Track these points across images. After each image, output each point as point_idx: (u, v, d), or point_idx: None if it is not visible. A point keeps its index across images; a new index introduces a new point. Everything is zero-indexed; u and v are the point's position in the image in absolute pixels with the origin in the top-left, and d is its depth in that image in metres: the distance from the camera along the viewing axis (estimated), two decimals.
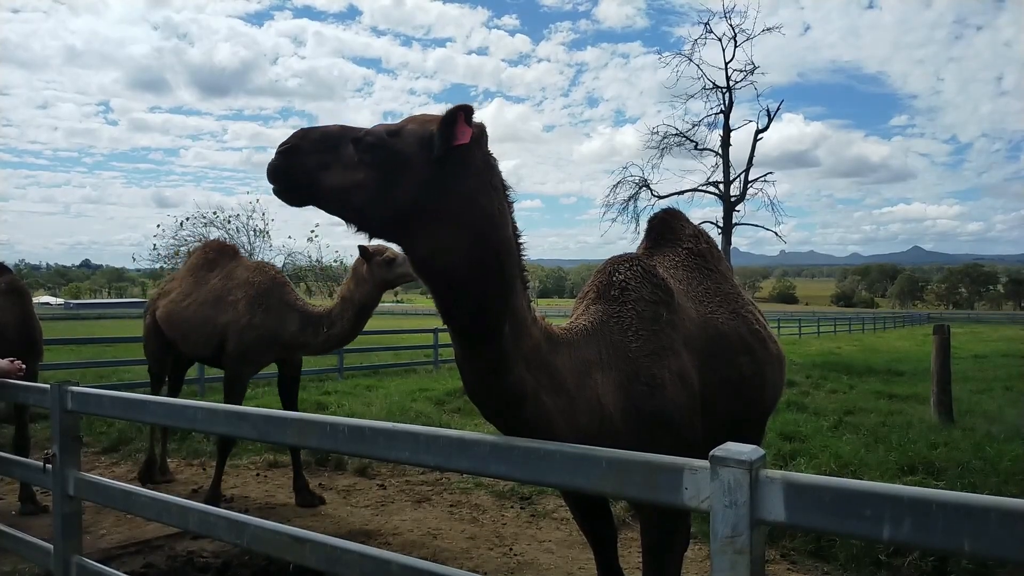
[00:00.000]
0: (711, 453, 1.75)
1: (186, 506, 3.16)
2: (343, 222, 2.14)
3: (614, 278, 2.78)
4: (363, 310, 5.93)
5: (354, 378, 14.83)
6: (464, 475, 6.96)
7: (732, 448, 1.76)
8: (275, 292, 6.21)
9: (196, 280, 6.71)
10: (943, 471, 6.09)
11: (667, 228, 3.41)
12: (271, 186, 2.06)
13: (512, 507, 6.15)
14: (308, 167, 1.99)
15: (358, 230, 2.11)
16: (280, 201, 2.09)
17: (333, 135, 2.02)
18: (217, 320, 6.22)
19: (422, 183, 2.00)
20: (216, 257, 6.89)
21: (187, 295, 6.61)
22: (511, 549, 5.14)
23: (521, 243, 2.26)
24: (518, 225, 2.27)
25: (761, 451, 1.75)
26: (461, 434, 2.27)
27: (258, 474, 7.29)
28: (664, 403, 2.53)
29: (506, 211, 2.17)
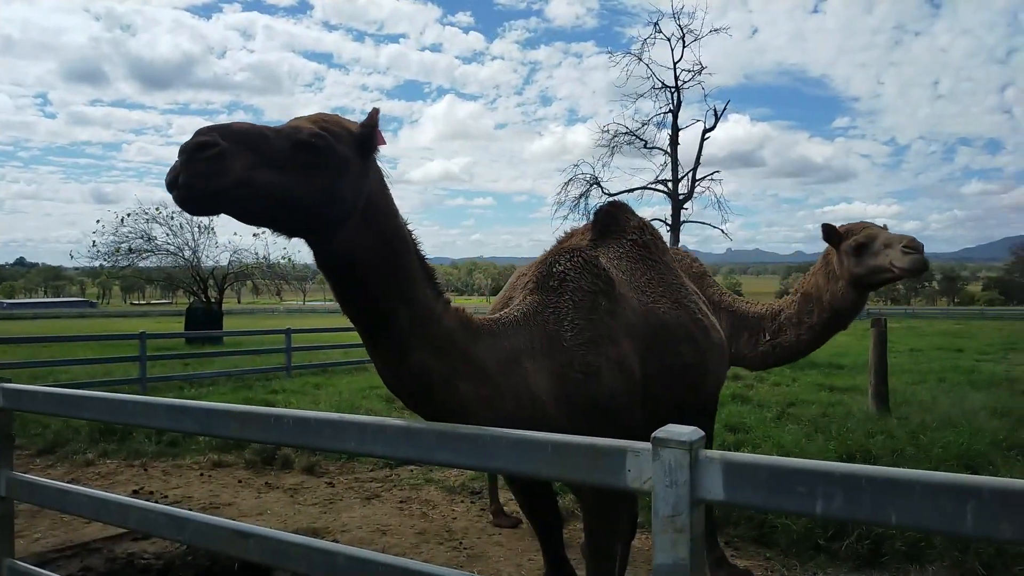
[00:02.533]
0: (653, 435, 1.79)
1: (125, 503, 3.08)
2: (254, 226, 2.14)
3: (554, 268, 2.82)
4: (835, 318, 4.42)
5: (303, 376, 14.62)
6: (414, 471, 6.94)
7: (673, 429, 1.80)
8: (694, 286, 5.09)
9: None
10: (879, 458, 6.30)
11: (612, 220, 3.46)
12: (178, 193, 1.85)
13: (463, 501, 6.15)
14: (237, 170, 1.86)
15: (276, 231, 2.12)
16: (183, 209, 1.94)
17: (256, 134, 1.93)
18: None
19: (355, 184, 2.08)
20: None
21: None
22: (461, 543, 5.15)
23: (413, 233, 2.36)
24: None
25: (701, 432, 1.79)
26: (408, 423, 2.26)
27: (202, 474, 7.14)
28: (599, 390, 2.59)
29: (394, 204, 2.31)
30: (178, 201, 1.87)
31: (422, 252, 2.36)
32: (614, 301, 2.82)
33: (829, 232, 4.35)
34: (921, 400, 10.00)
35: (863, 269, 4.17)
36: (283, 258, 29.17)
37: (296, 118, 2.13)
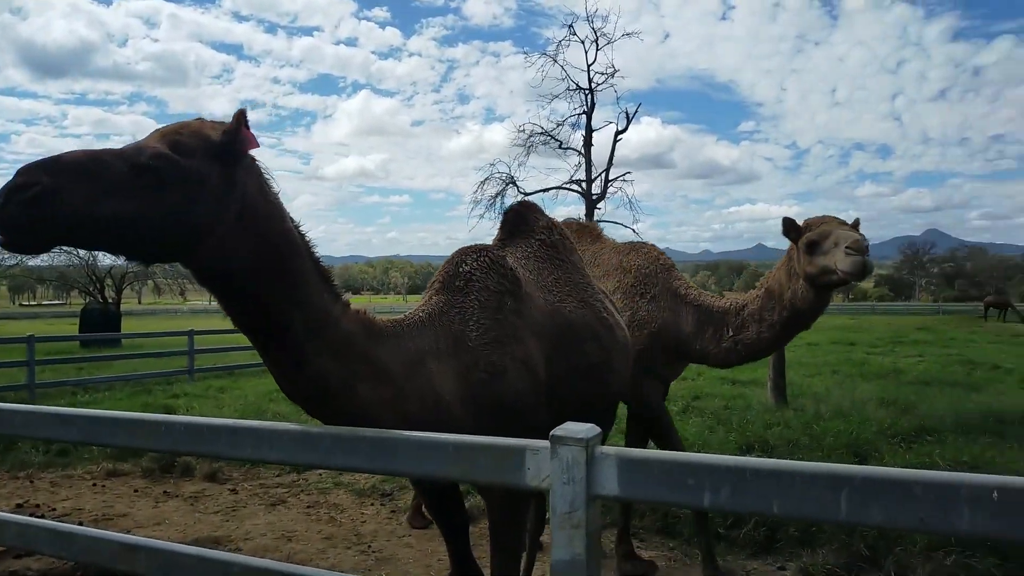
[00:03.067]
0: (551, 433, 1.81)
1: (1, 519, 2.89)
2: (111, 254, 2.03)
3: (460, 268, 2.81)
4: (795, 317, 4.13)
5: (206, 380, 14.07)
6: (322, 474, 6.80)
7: (570, 427, 1.83)
8: (660, 278, 4.69)
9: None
10: (776, 448, 6.60)
11: (521, 220, 3.48)
12: (3, 238, 1.72)
13: (373, 504, 6.06)
14: (75, 204, 1.74)
15: (131, 259, 2.03)
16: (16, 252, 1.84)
17: (90, 162, 1.81)
18: None
19: (218, 196, 1.96)
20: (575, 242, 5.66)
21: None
22: (370, 546, 5.07)
23: (305, 234, 2.27)
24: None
25: (597, 429, 1.83)
26: (306, 428, 2.21)
27: (95, 484, 6.77)
28: (504, 389, 2.60)
29: (281, 205, 2.20)
30: (4, 246, 1.75)
31: (316, 254, 2.28)
32: (520, 301, 2.84)
33: (788, 226, 4.08)
34: (816, 392, 10.52)
35: (814, 268, 3.87)
36: None
37: (154, 131, 2.02)
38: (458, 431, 2.20)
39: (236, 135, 1.96)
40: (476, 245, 3.00)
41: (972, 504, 1.42)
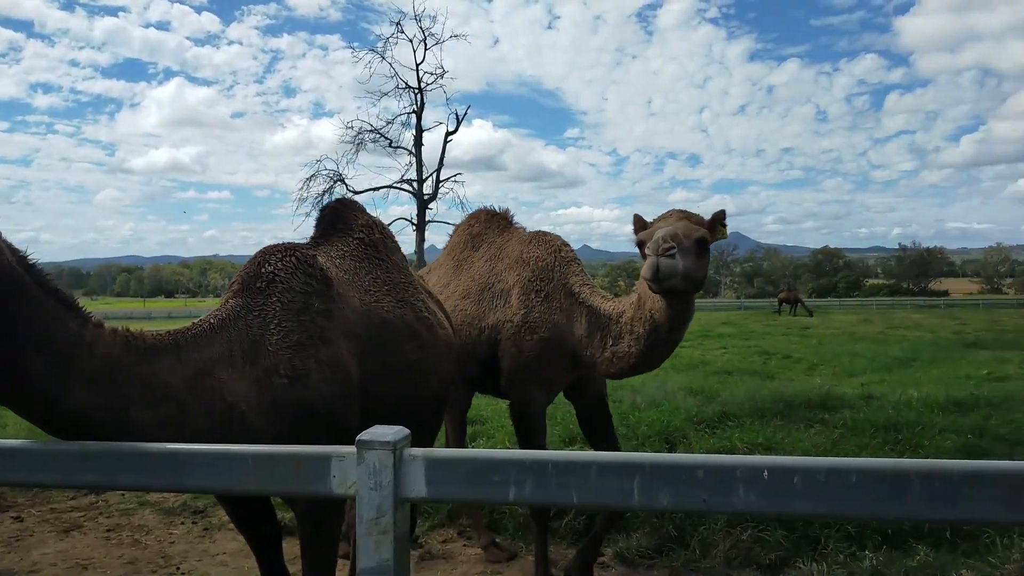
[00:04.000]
0: (357, 438, 1.76)
1: None
2: None
3: (262, 269, 2.68)
4: (655, 330, 3.54)
5: None
6: (125, 495, 6.24)
7: (377, 431, 1.79)
8: (556, 273, 4.09)
9: (457, 264, 4.73)
10: None
11: (338, 218, 3.38)
12: None
13: (183, 523, 5.64)
14: None
15: None
16: None
17: None
18: (485, 320, 4.25)
19: None
20: (482, 231, 4.74)
21: (445, 286, 4.61)
22: (179, 568, 4.72)
23: (32, 262, 2.01)
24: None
25: (405, 431, 1.80)
26: (85, 445, 2.01)
27: None
28: (306, 394, 2.51)
29: None
30: None
31: (47, 279, 2.02)
32: (330, 301, 2.75)
33: (635, 225, 3.62)
34: (633, 384, 11.14)
35: (642, 273, 3.34)
36: None
37: None
38: (258, 441, 2.09)
39: None
40: (283, 244, 2.87)
41: (746, 484, 1.54)
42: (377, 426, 1.86)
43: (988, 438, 6.15)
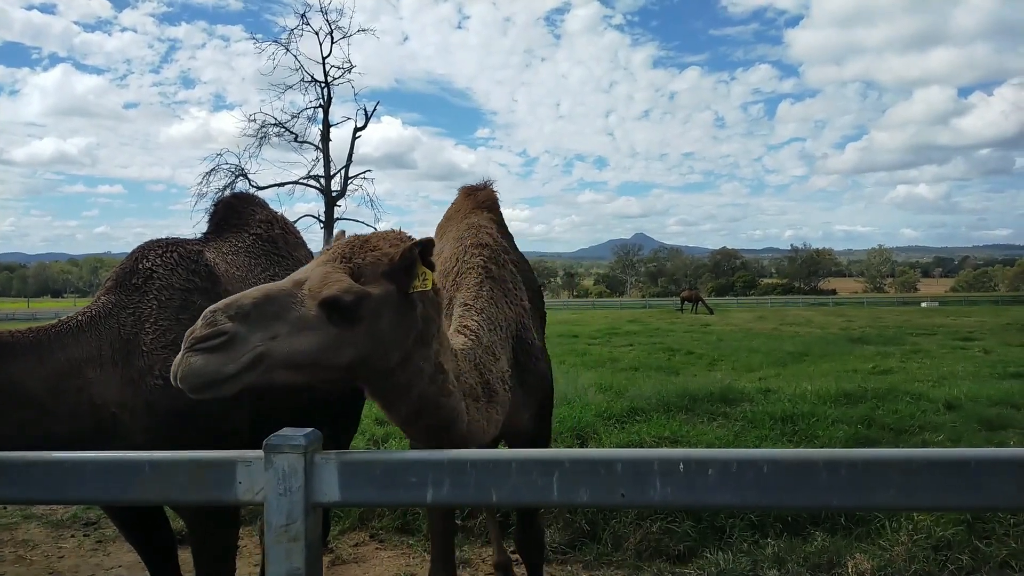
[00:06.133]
0: (265, 441, 1.68)
1: None
2: None
3: (140, 265, 2.53)
4: None
5: None
6: (8, 508, 5.80)
7: (287, 434, 1.71)
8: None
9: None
10: None
11: (233, 213, 3.23)
12: None
13: (72, 536, 5.28)
14: None
15: None
16: None
17: None
18: None
19: None
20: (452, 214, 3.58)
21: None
22: None
23: None
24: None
25: (317, 433, 1.73)
26: None
27: None
28: (184, 396, 2.37)
29: None
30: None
31: None
32: (215, 299, 2.62)
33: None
34: None
35: None
36: None
37: None
38: (135, 444, 1.97)
39: None
40: (165, 239, 2.71)
41: (663, 477, 1.55)
42: (287, 428, 1.78)
43: (876, 428, 6.53)
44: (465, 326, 2.51)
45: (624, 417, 7.28)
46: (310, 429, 1.75)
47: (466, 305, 2.64)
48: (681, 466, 1.55)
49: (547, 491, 1.61)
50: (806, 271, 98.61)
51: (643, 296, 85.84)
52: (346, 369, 1.88)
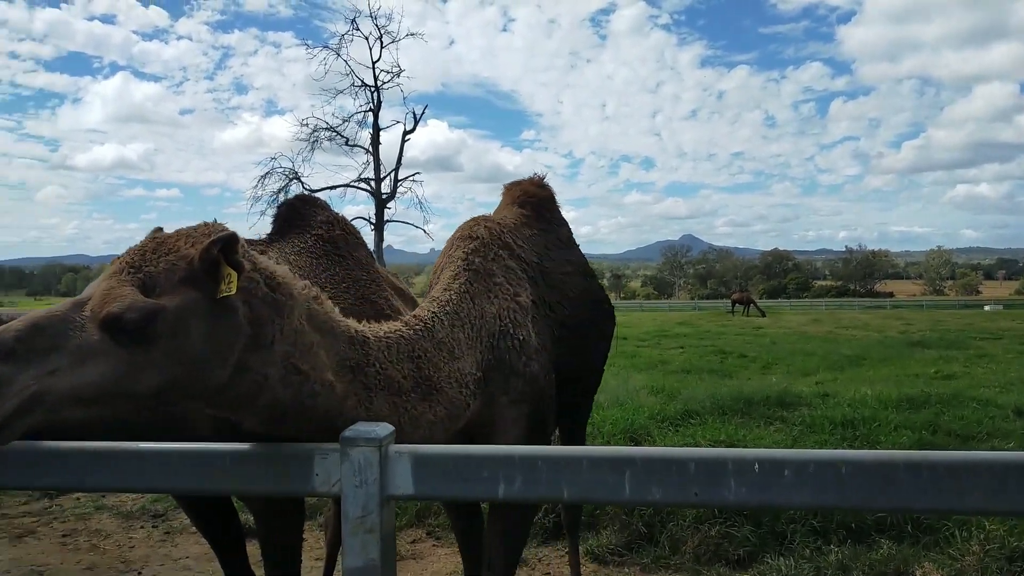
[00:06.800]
0: (342, 434, 1.72)
1: None
2: None
3: None
4: None
5: None
6: (80, 498, 6.04)
7: (362, 428, 1.75)
8: None
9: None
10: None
11: (295, 215, 3.31)
12: None
13: (142, 527, 5.49)
14: None
15: None
16: None
17: None
18: None
19: None
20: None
21: None
22: (140, 573, 4.59)
23: None
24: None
25: (390, 428, 1.77)
26: (53, 445, 1.92)
27: None
28: None
29: None
30: None
31: None
32: None
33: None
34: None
35: None
36: None
37: None
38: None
39: None
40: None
41: (738, 477, 1.55)
42: (361, 423, 1.82)
43: (941, 434, 6.34)
44: (415, 315, 2.39)
45: (678, 420, 7.23)
46: (383, 423, 1.79)
47: (432, 298, 2.52)
48: (756, 466, 1.54)
49: (619, 489, 1.61)
50: (861, 273, 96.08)
51: (692, 298, 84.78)
52: (157, 395, 1.64)
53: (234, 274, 1.68)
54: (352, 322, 2.09)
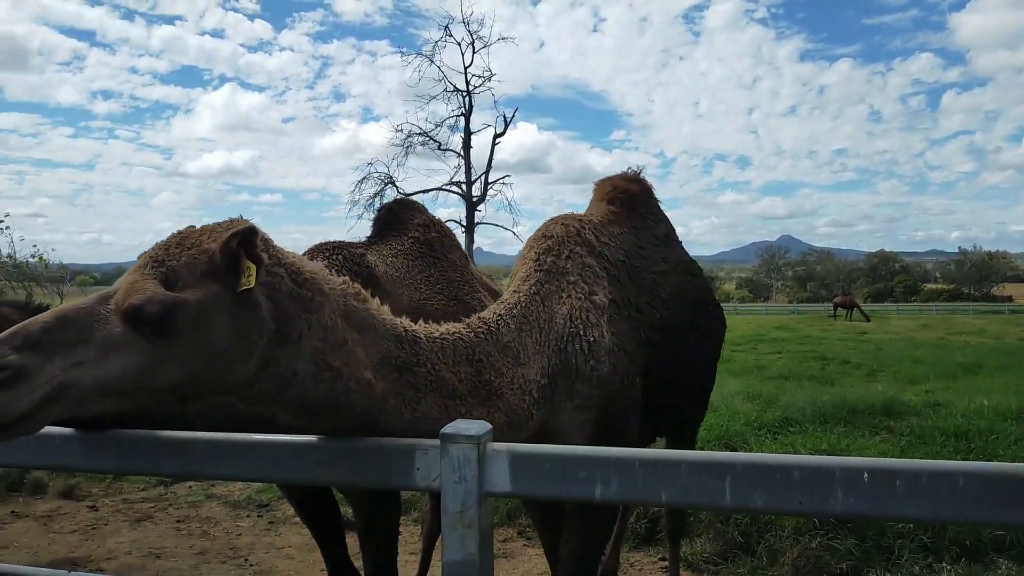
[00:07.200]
0: (441, 431, 1.77)
1: None
2: None
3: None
4: None
5: None
6: (192, 487, 6.42)
7: (461, 425, 1.80)
8: None
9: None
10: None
11: (394, 218, 3.43)
12: None
13: (248, 516, 5.78)
14: None
15: None
16: None
17: None
18: None
19: None
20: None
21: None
22: (247, 560, 4.83)
23: None
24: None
25: (488, 426, 1.80)
26: (176, 435, 2.05)
27: None
28: None
29: None
30: None
31: None
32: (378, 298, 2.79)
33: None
34: None
35: None
36: (33, 256, 25.58)
37: None
38: None
39: None
40: (332, 242, 2.93)
41: (845, 486, 1.50)
42: (460, 420, 1.87)
43: None
44: (479, 317, 2.30)
45: (776, 427, 7.00)
46: (481, 422, 1.83)
47: (501, 300, 2.44)
48: (865, 475, 1.48)
49: (719, 494, 1.59)
50: (976, 275, 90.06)
51: (790, 301, 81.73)
52: (180, 388, 1.66)
53: (253, 267, 1.67)
54: (404, 321, 2.05)
